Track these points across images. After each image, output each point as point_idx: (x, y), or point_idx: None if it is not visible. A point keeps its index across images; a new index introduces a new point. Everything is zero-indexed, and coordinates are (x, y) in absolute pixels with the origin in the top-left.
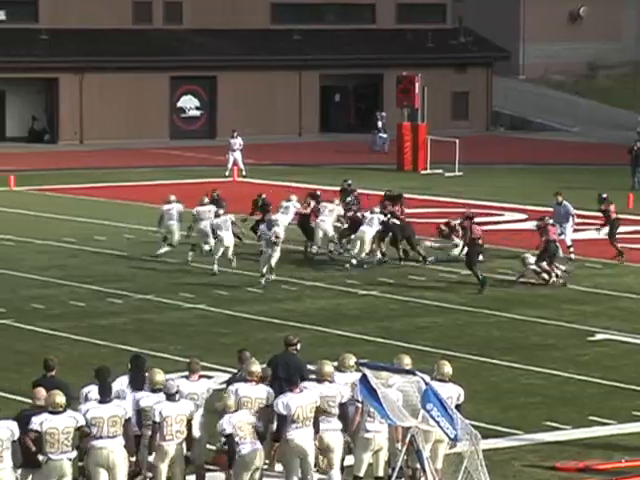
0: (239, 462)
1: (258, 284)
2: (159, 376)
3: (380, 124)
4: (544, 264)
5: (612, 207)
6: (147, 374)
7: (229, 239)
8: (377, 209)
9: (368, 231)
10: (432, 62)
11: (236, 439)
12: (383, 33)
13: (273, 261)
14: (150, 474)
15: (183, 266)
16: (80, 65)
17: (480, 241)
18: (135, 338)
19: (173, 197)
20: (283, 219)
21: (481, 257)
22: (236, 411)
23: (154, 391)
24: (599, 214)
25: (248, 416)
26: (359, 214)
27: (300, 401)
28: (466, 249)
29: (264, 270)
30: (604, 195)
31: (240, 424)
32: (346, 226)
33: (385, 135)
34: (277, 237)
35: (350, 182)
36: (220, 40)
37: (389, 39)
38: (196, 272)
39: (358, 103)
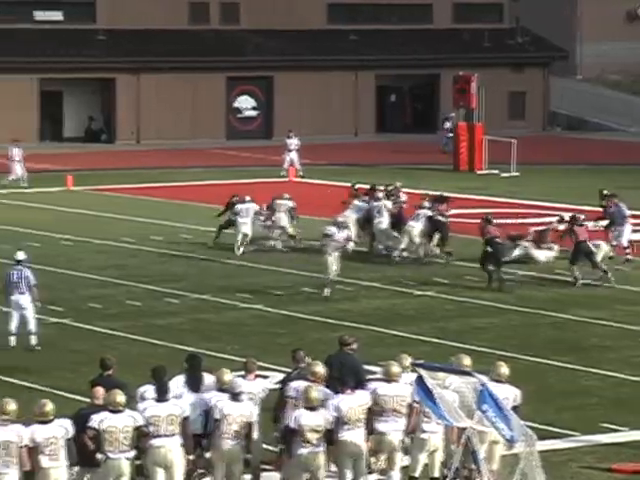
0: (294, 461)
1: (321, 292)
2: (227, 376)
3: (448, 124)
4: (575, 268)
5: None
6: (213, 374)
7: (247, 227)
8: (426, 204)
9: (416, 225)
10: (489, 62)
11: (298, 438)
12: (440, 33)
13: (335, 269)
14: (203, 470)
15: (240, 266)
16: (137, 65)
17: (498, 240)
18: (192, 338)
19: (248, 197)
20: (352, 216)
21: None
22: (313, 409)
23: (222, 390)
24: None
25: (317, 419)
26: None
27: (351, 402)
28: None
29: (331, 276)
30: (605, 192)
31: (307, 427)
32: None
33: (452, 135)
34: (348, 240)
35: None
36: (276, 40)
37: (446, 39)
38: (253, 272)
39: (414, 103)
